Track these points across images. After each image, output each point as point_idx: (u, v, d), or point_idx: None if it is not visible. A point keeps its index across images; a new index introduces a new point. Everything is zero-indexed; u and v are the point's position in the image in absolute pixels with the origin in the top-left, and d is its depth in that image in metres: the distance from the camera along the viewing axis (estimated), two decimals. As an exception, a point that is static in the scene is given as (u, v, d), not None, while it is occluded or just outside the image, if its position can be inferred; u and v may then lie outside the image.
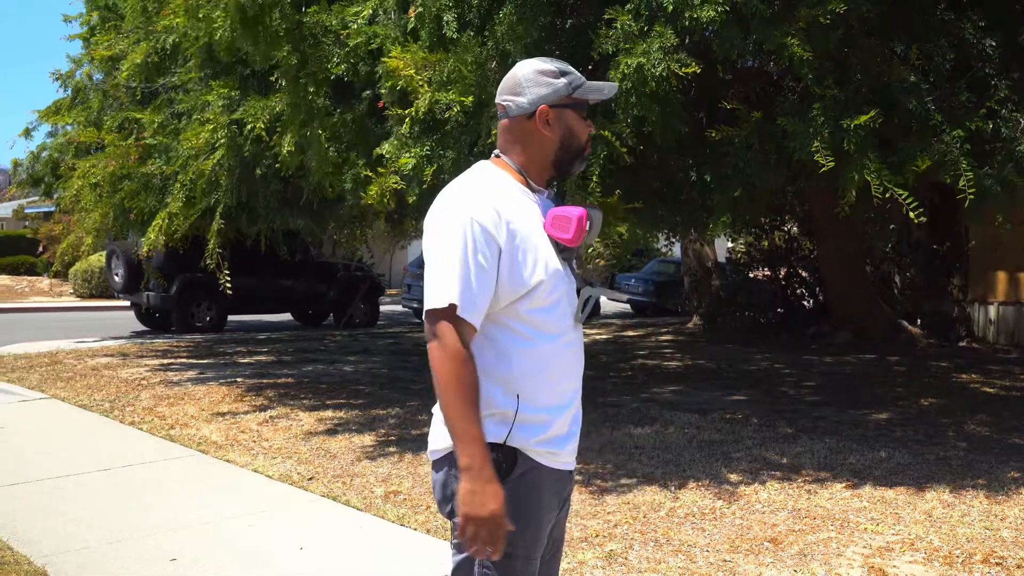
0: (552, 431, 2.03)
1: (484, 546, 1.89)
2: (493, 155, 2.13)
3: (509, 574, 1.99)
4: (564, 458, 2.08)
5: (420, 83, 5.41)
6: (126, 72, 8.07)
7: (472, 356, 1.92)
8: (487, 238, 1.92)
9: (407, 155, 5.61)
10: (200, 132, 7.34)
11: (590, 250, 5.50)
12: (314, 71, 6.25)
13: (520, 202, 2.04)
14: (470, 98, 5.29)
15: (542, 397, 2.01)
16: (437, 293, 1.90)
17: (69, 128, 10.32)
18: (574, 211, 2.01)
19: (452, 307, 1.89)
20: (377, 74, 5.82)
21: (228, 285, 7.93)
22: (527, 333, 1.99)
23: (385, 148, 5.78)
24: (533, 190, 2.09)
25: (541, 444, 2.01)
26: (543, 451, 2.02)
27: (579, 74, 2.10)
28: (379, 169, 5.92)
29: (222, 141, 7.29)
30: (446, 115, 5.42)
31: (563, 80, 2.07)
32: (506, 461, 1.97)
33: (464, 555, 2.00)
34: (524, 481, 1.99)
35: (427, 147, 5.65)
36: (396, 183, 5.79)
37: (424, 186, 5.59)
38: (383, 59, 5.63)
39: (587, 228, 2.02)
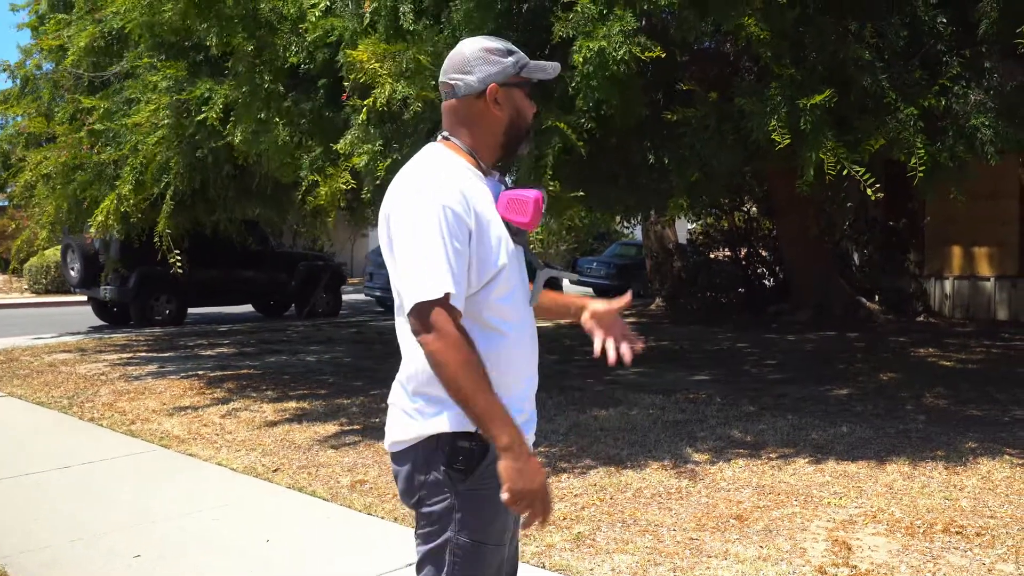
0: (518, 419, 2.00)
1: (537, 517, 1.90)
2: (441, 136, 2.08)
3: (479, 560, 1.98)
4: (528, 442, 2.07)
5: (382, 74, 5.33)
6: (72, 56, 7.86)
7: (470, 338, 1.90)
8: (459, 223, 1.88)
9: (360, 152, 5.54)
10: (143, 110, 7.19)
11: (550, 235, 5.46)
12: (271, 59, 6.16)
13: (477, 185, 2.01)
14: (433, 94, 5.21)
15: (510, 387, 1.99)
16: (428, 284, 1.84)
17: (19, 119, 10.07)
18: (530, 193, 1.98)
19: (447, 296, 1.84)
20: (338, 62, 5.74)
21: (179, 267, 7.80)
22: (495, 324, 1.97)
23: (345, 142, 5.70)
24: (485, 173, 2.05)
25: None
26: None
27: (523, 53, 2.10)
28: (328, 170, 5.84)
29: (165, 121, 7.13)
30: (409, 108, 5.36)
31: (511, 59, 2.05)
32: (479, 449, 1.95)
33: (432, 544, 1.98)
34: (492, 469, 1.96)
35: (379, 142, 5.56)
36: (346, 183, 5.72)
37: (377, 182, 5.52)
38: (345, 51, 5.54)
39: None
